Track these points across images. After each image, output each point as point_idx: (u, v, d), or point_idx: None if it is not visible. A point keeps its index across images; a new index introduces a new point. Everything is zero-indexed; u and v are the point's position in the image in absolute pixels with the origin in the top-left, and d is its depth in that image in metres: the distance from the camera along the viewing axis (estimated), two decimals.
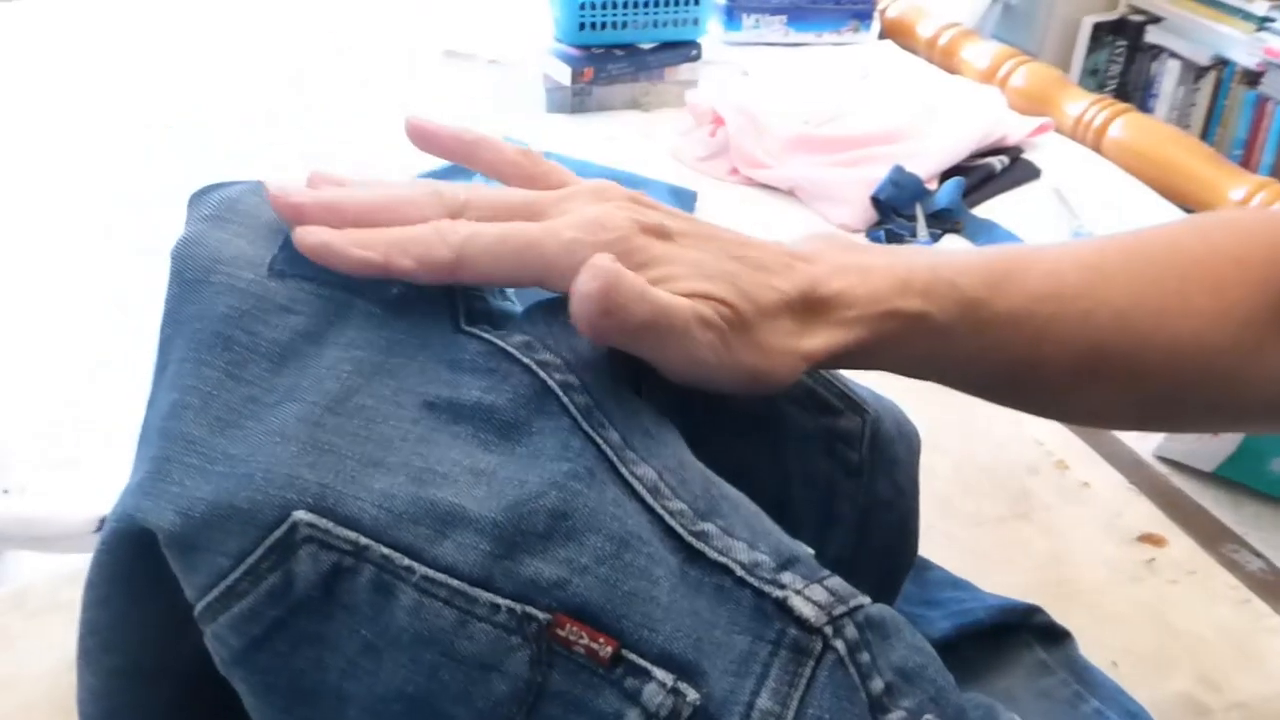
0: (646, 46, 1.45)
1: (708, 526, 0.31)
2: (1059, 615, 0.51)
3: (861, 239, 1.18)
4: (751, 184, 1.26)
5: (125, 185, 1.20)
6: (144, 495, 0.30)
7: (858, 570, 0.40)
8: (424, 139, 0.39)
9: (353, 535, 0.29)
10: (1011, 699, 0.49)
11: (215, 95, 1.43)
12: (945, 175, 1.24)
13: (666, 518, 0.31)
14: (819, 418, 0.41)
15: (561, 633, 0.28)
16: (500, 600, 0.28)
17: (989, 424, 0.70)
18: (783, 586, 0.30)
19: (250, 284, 0.33)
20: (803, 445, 0.39)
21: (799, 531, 0.39)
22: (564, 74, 1.40)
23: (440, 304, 0.34)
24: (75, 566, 0.56)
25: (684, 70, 1.46)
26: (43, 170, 1.23)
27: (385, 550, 0.29)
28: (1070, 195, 1.23)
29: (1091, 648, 0.50)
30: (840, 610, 0.30)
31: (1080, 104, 1.39)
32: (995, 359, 0.40)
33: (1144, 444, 0.72)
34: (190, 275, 0.34)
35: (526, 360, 0.33)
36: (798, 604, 0.30)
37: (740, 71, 1.50)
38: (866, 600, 0.31)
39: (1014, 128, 1.32)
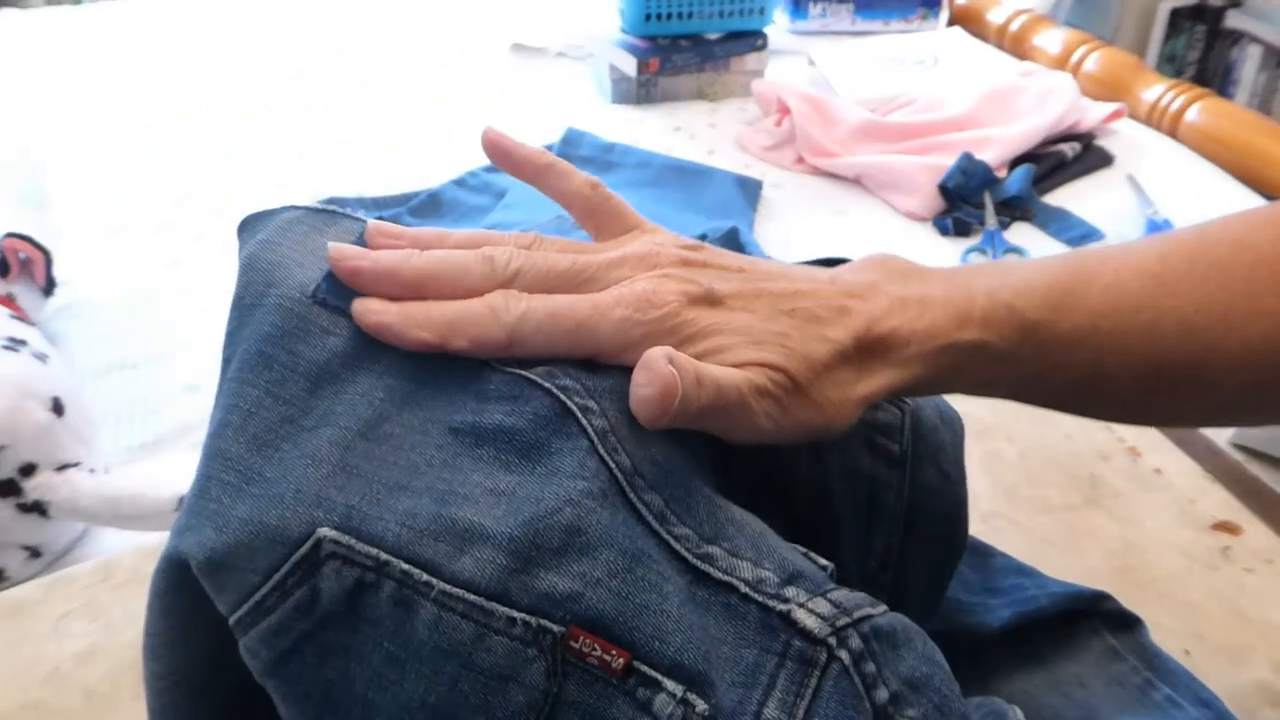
0: (712, 37, 1.45)
1: (712, 549, 0.32)
2: (1131, 603, 0.50)
3: (929, 228, 1.17)
4: (818, 173, 1.26)
5: (126, 182, 1.24)
6: (184, 526, 0.32)
7: (908, 559, 0.41)
8: (500, 154, 0.40)
9: (374, 551, 0.30)
10: (1081, 685, 0.48)
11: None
12: (1015, 162, 1.22)
13: (672, 542, 0.32)
14: None
15: (575, 645, 0.29)
16: (516, 614, 0.29)
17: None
18: (786, 600, 0.31)
19: (295, 304, 0.35)
20: (842, 441, 0.39)
21: (844, 527, 0.40)
22: (630, 65, 1.41)
23: None
24: (159, 540, 0.58)
25: (750, 60, 1.46)
26: (43, 171, 1.26)
27: (405, 566, 0.30)
28: (1145, 182, 1.21)
29: (1164, 636, 0.49)
30: (844, 621, 0.30)
31: (1156, 89, 1.36)
32: (1058, 377, 0.40)
33: (1220, 431, 0.71)
34: (248, 300, 0.36)
35: (548, 385, 0.34)
36: (801, 616, 0.30)
37: (807, 61, 1.49)
38: (876, 610, 0.31)
39: (1086, 114, 1.29)
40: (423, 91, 1.47)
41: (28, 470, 0.66)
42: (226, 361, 0.35)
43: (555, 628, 0.29)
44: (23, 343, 0.73)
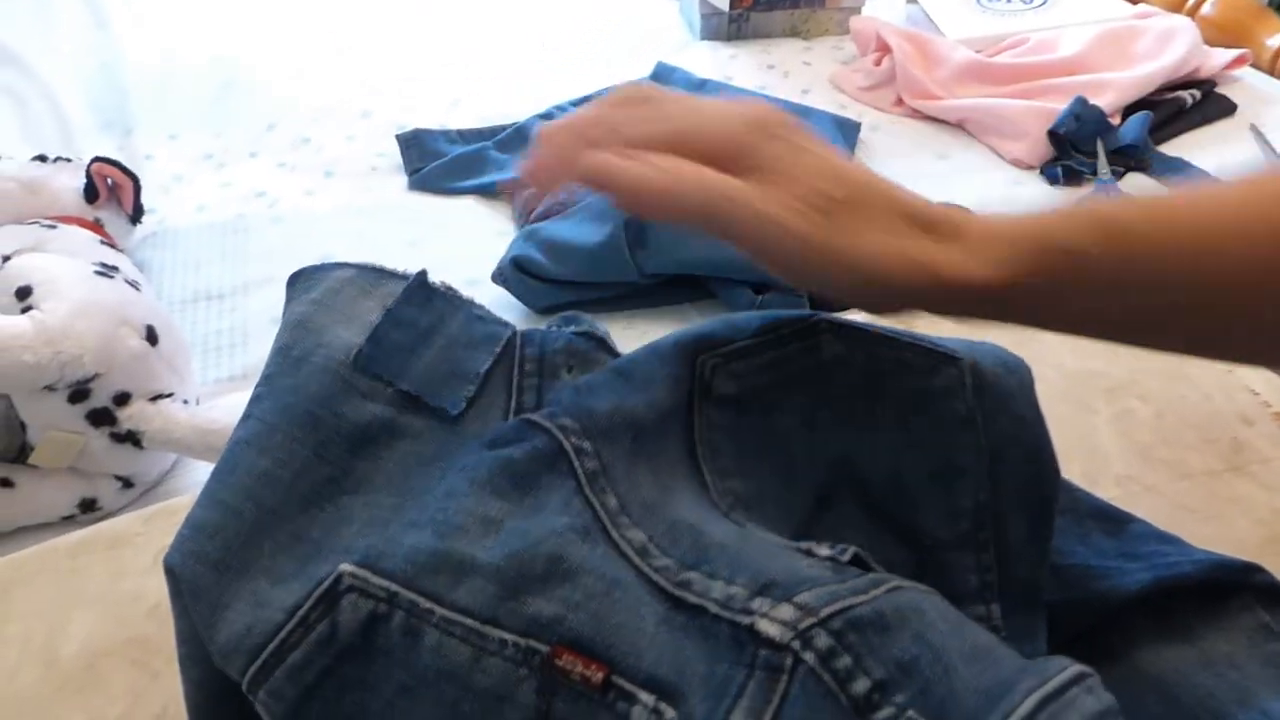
0: None
1: (690, 575, 0.34)
2: None
3: (1036, 176, 1.11)
4: (918, 116, 1.21)
5: (212, 108, 1.22)
6: (220, 562, 0.36)
7: (1005, 509, 0.41)
8: None
9: (386, 583, 0.34)
10: (1234, 665, 0.45)
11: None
12: (1130, 109, 1.16)
13: (651, 574, 0.34)
14: (907, 383, 0.42)
15: (560, 663, 0.32)
16: (508, 636, 0.33)
17: (1194, 370, 0.65)
18: (751, 613, 0.32)
19: (340, 367, 0.39)
20: (900, 415, 0.41)
21: (919, 497, 0.41)
22: None
23: (496, 402, 0.41)
24: None
25: None
26: (129, 97, 1.24)
27: (412, 596, 0.34)
28: (1270, 133, 1.14)
29: None
30: (808, 623, 0.31)
31: None
32: (1156, 283, 0.37)
33: None
34: (297, 353, 0.40)
35: (547, 425, 0.37)
36: (764, 626, 0.31)
37: None
38: (859, 599, 0.31)
39: (1208, 59, 1.22)
40: (573, 23, 1.43)
41: (122, 399, 0.65)
42: (258, 398, 0.39)
43: (542, 648, 0.32)
44: (115, 269, 0.72)
